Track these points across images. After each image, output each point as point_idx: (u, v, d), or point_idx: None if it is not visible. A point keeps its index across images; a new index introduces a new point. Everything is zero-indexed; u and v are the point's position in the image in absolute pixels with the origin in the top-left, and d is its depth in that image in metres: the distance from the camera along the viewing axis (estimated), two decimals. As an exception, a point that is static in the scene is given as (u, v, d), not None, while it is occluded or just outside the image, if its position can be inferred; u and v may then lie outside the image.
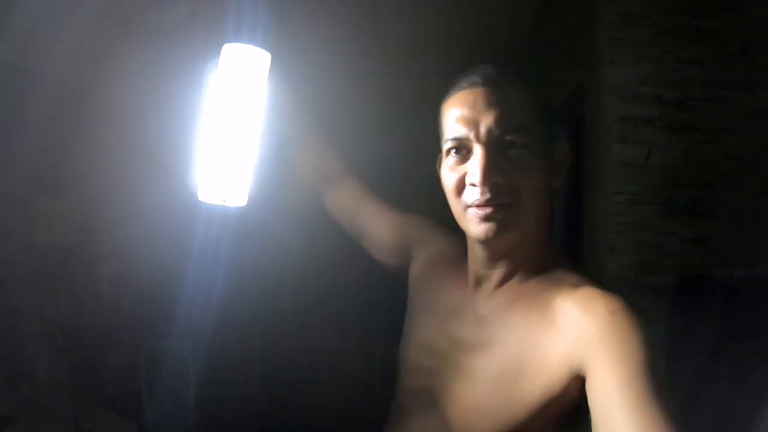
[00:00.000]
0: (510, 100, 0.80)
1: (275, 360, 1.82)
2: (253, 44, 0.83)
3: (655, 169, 1.65)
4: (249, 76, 0.85)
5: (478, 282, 0.89)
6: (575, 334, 0.73)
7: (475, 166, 0.78)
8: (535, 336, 0.78)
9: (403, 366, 0.97)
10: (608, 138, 1.66)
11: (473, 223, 0.80)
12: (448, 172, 0.83)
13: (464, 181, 0.81)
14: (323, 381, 1.87)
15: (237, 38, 0.82)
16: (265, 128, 0.92)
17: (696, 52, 1.69)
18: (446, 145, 0.83)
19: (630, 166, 1.65)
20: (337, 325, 1.80)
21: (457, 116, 0.81)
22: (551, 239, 0.90)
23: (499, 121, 0.79)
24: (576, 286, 0.79)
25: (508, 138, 0.79)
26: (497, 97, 0.80)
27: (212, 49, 0.82)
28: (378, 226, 1.10)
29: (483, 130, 0.79)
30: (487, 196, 0.78)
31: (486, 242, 0.82)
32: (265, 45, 0.83)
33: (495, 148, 0.79)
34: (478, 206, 0.79)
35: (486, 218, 0.79)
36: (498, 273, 0.86)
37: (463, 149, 0.81)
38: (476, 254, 0.87)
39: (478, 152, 0.79)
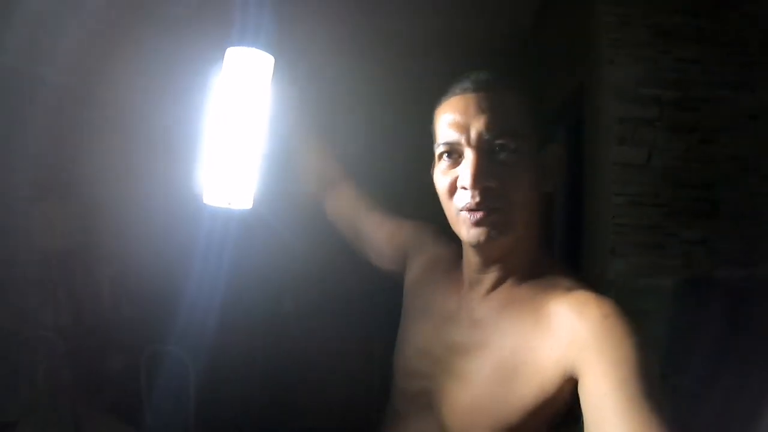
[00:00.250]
0: (501, 105, 0.82)
1: (276, 363, 1.82)
2: (256, 47, 0.83)
3: (655, 170, 1.65)
4: (252, 79, 0.85)
5: (473, 286, 0.90)
6: (569, 338, 0.74)
7: (466, 170, 0.80)
8: (528, 339, 0.79)
9: (399, 370, 0.98)
10: (608, 139, 1.66)
11: (465, 227, 0.82)
12: (441, 176, 0.85)
13: (456, 185, 0.82)
14: (324, 384, 1.87)
15: (240, 41, 0.82)
16: (269, 131, 0.92)
17: (696, 52, 1.69)
18: (438, 150, 0.85)
19: (630, 167, 1.64)
20: (339, 329, 1.80)
21: (449, 121, 0.83)
22: (544, 243, 0.91)
23: (490, 126, 0.80)
24: (569, 289, 0.80)
25: (498, 142, 0.80)
26: (488, 102, 0.81)
27: (216, 52, 0.82)
28: (375, 231, 1.12)
29: (474, 134, 0.80)
30: (478, 199, 0.79)
31: (478, 246, 0.83)
32: (268, 48, 0.83)
33: (486, 152, 0.80)
34: (469, 210, 0.80)
35: (477, 223, 0.80)
36: (491, 277, 0.87)
37: (454, 153, 0.83)
38: (470, 258, 0.89)
39: (469, 156, 0.80)
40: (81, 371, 1.73)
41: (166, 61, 1.40)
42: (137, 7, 1.38)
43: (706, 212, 1.66)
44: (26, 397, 1.63)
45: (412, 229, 1.09)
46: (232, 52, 0.83)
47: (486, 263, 0.87)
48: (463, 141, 0.81)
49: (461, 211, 0.81)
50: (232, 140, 0.88)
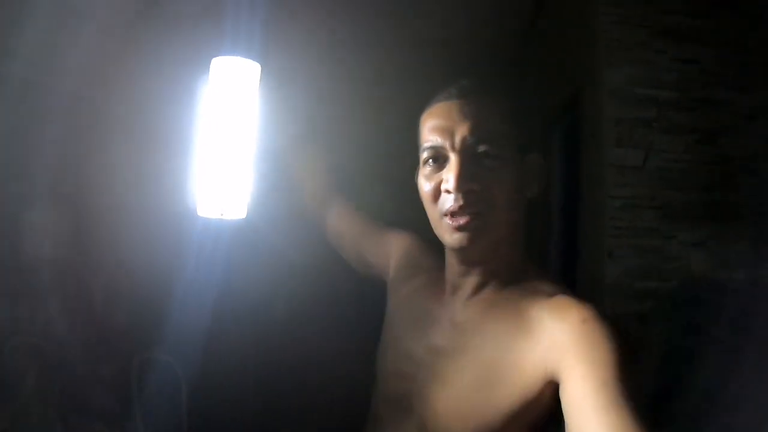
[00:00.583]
0: (484, 111, 0.85)
1: (269, 369, 1.81)
2: (241, 56, 0.82)
3: (652, 171, 1.63)
4: (240, 88, 0.84)
5: (455, 290, 0.92)
6: (549, 341, 0.76)
7: (449, 174, 0.82)
8: (510, 343, 0.81)
9: (381, 373, 1.00)
10: (604, 140, 1.64)
11: (448, 232, 0.84)
12: (424, 180, 0.87)
13: (439, 189, 0.84)
14: (317, 390, 1.86)
15: (226, 51, 0.80)
16: (259, 139, 0.92)
17: (694, 52, 1.67)
18: (423, 155, 0.87)
19: (627, 169, 1.63)
20: (332, 334, 1.79)
21: (433, 126, 0.86)
22: (526, 248, 0.94)
23: (473, 131, 0.83)
24: (550, 294, 0.83)
25: (481, 147, 0.83)
26: (472, 108, 0.84)
27: (204, 62, 0.81)
28: (360, 239, 1.17)
29: (458, 139, 0.83)
30: (461, 202, 0.81)
31: (460, 250, 0.86)
32: (254, 56, 0.82)
33: (469, 157, 0.83)
34: (452, 214, 0.82)
35: (460, 227, 0.82)
36: (473, 281, 0.89)
37: (439, 158, 0.85)
38: (452, 263, 0.91)
39: (452, 160, 0.83)
40: (71, 379, 1.71)
41: (160, 71, 1.40)
42: (131, 19, 1.38)
43: (705, 214, 1.65)
44: (16, 405, 1.61)
45: (395, 236, 1.13)
46: (218, 62, 0.82)
47: (468, 267, 0.88)
48: (447, 146, 0.84)
49: (444, 216, 0.83)
50: (222, 150, 0.88)
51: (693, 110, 1.66)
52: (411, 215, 0.96)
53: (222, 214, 0.91)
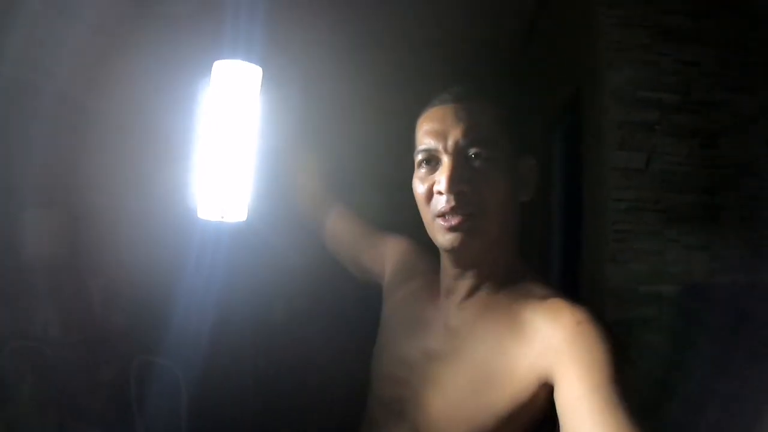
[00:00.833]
0: (477, 115, 0.86)
1: (269, 371, 1.80)
2: (243, 59, 0.81)
3: (655, 174, 1.62)
4: (241, 92, 0.83)
5: (448, 294, 0.92)
6: (543, 344, 0.76)
7: (441, 176, 0.83)
8: (503, 346, 0.81)
9: (375, 376, 1.00)
10: (607, 143, 1.63)
11: (440, 233, 0.84)
12: (418, 183, 0.88)
13: (432, 191, 0.85)
14: (317, 391, 1.85)
15: (228, 54, 0.80)
16: (260, 142, 0.92)
17: (696, 54, 1.66)
18: (417, 157, 0.88)
19: (630, 172, 1.62)
20: (331, 336, 1.78)
21: (428, 129, 0.87)
22: (519, 251, 0.93)
23: (466, 134, 0.84)
24: (543, 297, 0.83)
25: (474, 149, 0.84)
26: (465, 112, 0.86)
27: (206, 65, 0.81)
28: (357, 244, 1.18)
29: (450, 142, 0.84)
30: (453, 204, 0.82)
31: (453, 251, 0.86)
32: (255, 59, 0.81)
33: (461, 159, 0.84)
34: (444, 215, 0.83)
35: (452, 228, 0.83)
36: (467, 284, 0.89)
37: (432, 161, 0.86)
38: (446, 265, 0.92)
39: (445, 162, 0.84)
40: (70, 382, 1.70)
41: (160, 74, 1.39)
42: (131, 23, 1.37)
43: (707, 218, 1.64)
44: (13, 408, 1.60)
45: (391, 240, 1.14)
46: (220, 65, 0.81)
47: (461, 269, 0.89)
48: (440, 148, 0.85)
49: (437, 217, 0.84)
50: (223, 153, 0.88)
51: (695, 113, 1.65)
52: (410, 217, 0.95)
53: (222, 217, 0.91)
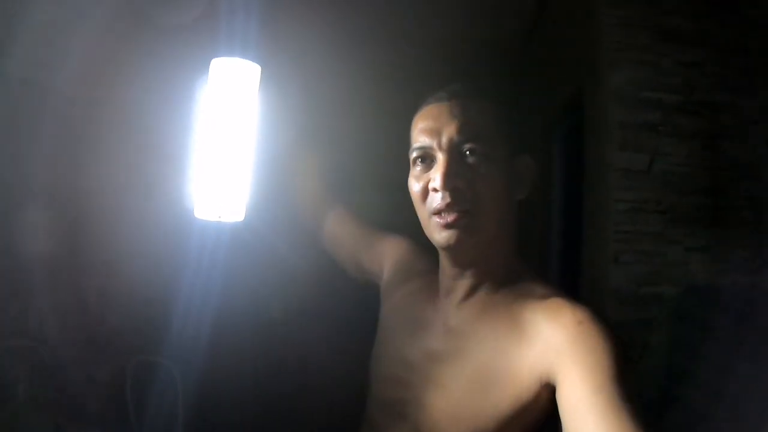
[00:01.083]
0: (472, 112, 0.86)
1: (268, 373, 1.79)
2: (242, 57, 0.80)
3: (657, 175, 1.61)
4: (240, 90, 0.82)
5: (447, 294, 0.92)
6: (544, 344, 0.76)
7: (436, 172, 0.83)
8: (504, 346, 0.80)
9: (375, 378, 0.99)
10: (609, 144, 1.63)
11: (436, 230, 0.84)
12: (414, 181, 0.88)
13: (428, 188, 0.84)
14: (317, 392, 1.84)
15: (226, 52, 0.78)
16: (258, 141, 0.91)
17: (697, 55, 1.66)
18: (412, 155, 0.88)
19: (632, 173, 1.61)
20: (331, 337, 1.77)
21: (422, 127, 0.87)
22: (518, 250, 0.93)
23: (461, 131, 0.84)
24: (543, 297, 0.82)
25: (468, 146, 0.84)
26: (460, 110, 0.85)
27: (204, 63, 0.79)
28: (355, 243, 1.17)
29: (445, 139, 0.84)
30: (448, 200, 0.81)
31: (449, 249, 0.85)
32: (254, 57, 0.80)
33: (456, 156, 0.83)
34: (440, 213, 0.83)
35: (448, 225, 0.82)
36: (466, 284, 0.89)
37: (427, 158, 0.86)
38: (444, 265, 0.91)
39: (439, 159, 0.84)
40: (66, 382, 1.68)
41: (158, 72, 1.38)
42: (132, 23, 1.36)
43: (709, 219, 1.63)
44: (8, 409, 1.59)
45: (389, 240, 1.13)
46: (218, 63, 0.80)
47: (459, 268, 0.88)
48: (435, 145, 0.85)
49: (433, 215, 0.84)
50: (221, 152, 0.87)
51: (696, 114, 1.64)
52: (410, 217, 0.94)
53: (220, 217, 0.90)
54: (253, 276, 1.61)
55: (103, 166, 1.64)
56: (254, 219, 0.97)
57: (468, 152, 0.84)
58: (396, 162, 1.03)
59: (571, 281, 1.86)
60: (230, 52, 0.80)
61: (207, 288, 1.41)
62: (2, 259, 1.68)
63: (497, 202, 0.85)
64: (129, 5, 1.40)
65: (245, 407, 1.77)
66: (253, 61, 0.82)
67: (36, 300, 1.76)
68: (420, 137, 0.87)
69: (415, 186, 0.87)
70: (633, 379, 0.69)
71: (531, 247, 2.26)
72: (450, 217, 0.82)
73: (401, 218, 1.05)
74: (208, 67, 0.82)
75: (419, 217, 0.88)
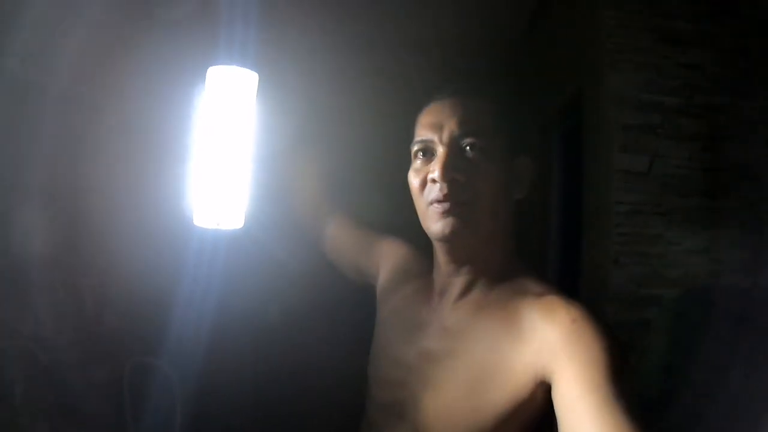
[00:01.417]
0: (474, 109, 0.88)
1: (266, 378, 1.78)
2: (238, 65, 0.79)
3: (656, 177, 1.61)
4: (237, 97, 0.82)
5: (443, 293, 0.92)
6: (539, 343, 0.76)
7: (435, 164, 0.84)
8: (500, 345, 0.80)
9: (373, 381, 1.00)
10: (609, 146, 1.62)
11: (433, 220, 0.85)
12: (414, 174, 0.89)
13: (427, 180, 0.86)
14: (317, 397, 1.83)
15: (223, 60, 0.78)
16: (256, 148, 0.91)
17: (698, 57, 1.66)
18: (413, 148, 0.89)
19: (631, 175, 1.61)
20: (330, 342, 1.77)
21: (425, 122, 0.89)
22: (515, 249, 0.93)
23: (461, 125, 0.85)
24: (539, 295, 0.82)
25: (468, 141, 0.85)
26: (462, 106, 0.88)
27: (201, 71, 0.79)
28: (354, 247, 1.18)
29: (446, 133, 0.86)
30: (446, 191, 0.82)
31: (445, 239, 0.86)
32: (251, 64, 0.79)
33: (456, 149, 0.85)
34: (437, 202, 0.84)
35: (444, 214, 0.83)
36: (461, 281, 0.89)
37: (428, 152, 0.88)
38: (440, 262, 0.92)
39: (440, 152, 0.85)
40: (61, 386, 1.67)
41: (155, 80, 1.37)
42: (132, 21, 1.35)
43: (709, 221, 1.63)
44: (4, 411, 1.58)
45: (385, 242, 1.14)
46: (215, 71, 0.79)
47: (455, 265, 0.89)
48: (436, 139, 0.86)
49: (430, 205, 0.85)
50: (219, 160, 0.87)
51: (697, 116, 1.64)
52: (409, 218, 0.94)
53: (218, 224, 0.90)
54: (252, 281, 1.60)
55: (102, 169, 1.63)
56: (253, 226, 0.97)
57: (468, 147, 0.85)
58: (394, 166, 1.03)
59: (571, 282, 1.86)
60: (227, 60, 0.79)
61: (205, 292, 1.40)
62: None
63: (495, 198, 0.86)
64: (128, 5, 1.39)
65: (243, 411, 1.76)
66: (250, 68, 0.81)
67: (33, 301, 1.75)
68: (422, 131, 0.88)
69: (414, 179, 0.88)
70: (629, 377, 0.69)
71: (531, 248, 2.26)
72: (447, 205, 0.83)
73: (400, 222, 1.05)
74: (205, 75, 0.81)
75: (417, 210, 0.89)
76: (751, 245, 1.62)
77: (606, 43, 1.62)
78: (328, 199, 1.25)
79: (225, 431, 1.78)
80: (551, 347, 0.74)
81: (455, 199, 0.83)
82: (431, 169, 0.85)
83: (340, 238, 1.20)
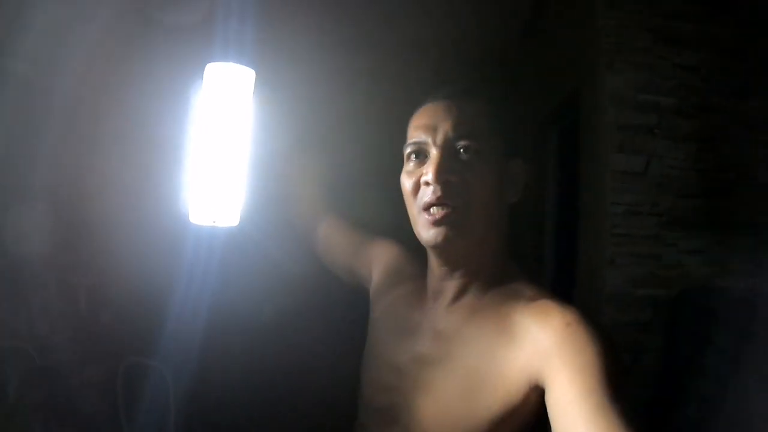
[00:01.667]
0: (468, 111, 0.86)
1: (261, 377, 1.77)
2: (236, 62, 0.79)
3: (653, 178, 1.61)
4: (234, 95, 0.81)
5: (436, 297, 0.91)
6: (532, 347, 0.75)
7: (429, 166, 0.83)
8: (493, 349, 0.80)
9: (365, 384, 0.99)
10: (606, 146, 1.62)
11: (425, 227, 0.84)
12: (406, 176, 0.88)
13: (420, 183, 0.84)
14: (312, 397, 1.83)
15: (220, 57, 0.77)
16: (252, 146, 0.90)
17: (695, 58, 1.66)
18: (407, 150, 0.89)
19: (628, 176, 1.61)
20: (325, 342, 1.76)
21: (418, 124, 0.88)
22: (508, 253, 0.92)
23: (455, 127, 0.84)
24: (532, 299, 0.82)
25: (462, 143, 0.84)
26: (456, 108, 0.86)
27: (198, 68, 0.78)
28: (347, 249, 1.17)
29: (440, 135, 0.84)
30: (439, 193, 0.81)
31: (436, 247, 0.85)
32: (248, 62, 0.79)
33: (449, 151, 0.84)
34: (430, 207, 0.83)
35: (436, 222, 0.82)
36: (454, 285, 0.89)
37: (421, 154, 0.86)
38: (433, 266, 0.91)
39: (433, 154, 0.84)
40: (55, 386, 1.66)
41: (152, 77, 1.37)
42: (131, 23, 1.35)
43: (705, 222, 1.63)
44: (-1, 411, 1.57)
45: (379, 245, 1.13)
46: (212, 68, 0.79)
47: (448, 269, 0.88)
48: (429, 141, 0.85)
49: (423, 211, 0.84)
50: (216, 157, 0.86)
51: (693, 117, 1.64)
52: (407, 220, 0.93)
53: (214, 222, 0.89)
54: (247, 280, 1.59)
55: (96, 169, 1.62)
56: (248, 224, 0.96)
57: (462, 149, 0.84)
58: (391, 164, 1.02)
59: (567, 283, 1.86)
60: (225, 57, 0.79)
61: (200, 291, 1.40)
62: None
63: (488, 200, 0.85)
64: (129, 5, 1.39)
65: (238, 411, 1.76)
66: (247, 65, 0.81)
67: (28, 301, 1.74)
68: (415, 133, 0.87)
69: (407, 181, 0.87)
70: (623, 380, 0.69)
71: (527, 248, 2.26)
72: (439, 214, 0.82)
73: (395, 221, 1.04)
74: (202, 72, 0.81)
75: (409, 214, 0.88)
76: (748, 246, 1.63)
77: (603, 43, 1.62)
78: (322, 199, 1.24)
79: (219, 430, 1.77)
80: (545, 351, 0.73)
81: (448, 203, 0.82)
82: (424, 171, 0.84)
83: (332, 239, 1.20)
